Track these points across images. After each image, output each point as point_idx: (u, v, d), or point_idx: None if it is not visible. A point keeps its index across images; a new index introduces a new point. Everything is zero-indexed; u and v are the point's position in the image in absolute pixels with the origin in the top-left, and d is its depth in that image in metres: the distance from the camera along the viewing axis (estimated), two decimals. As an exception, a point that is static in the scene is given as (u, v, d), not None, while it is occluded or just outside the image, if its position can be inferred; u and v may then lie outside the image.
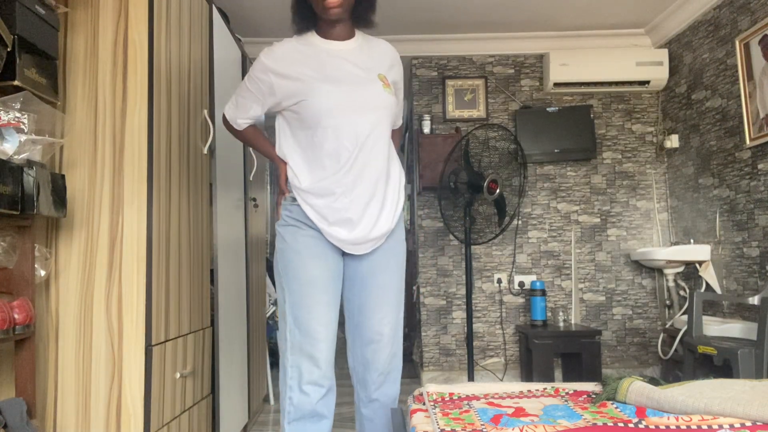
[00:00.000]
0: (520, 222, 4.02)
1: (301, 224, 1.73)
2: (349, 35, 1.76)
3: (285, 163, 1.76)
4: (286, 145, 1.76)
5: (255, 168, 3.02)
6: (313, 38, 1.75)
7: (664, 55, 3.85)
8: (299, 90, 1.67)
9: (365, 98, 1.70)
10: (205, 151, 2.27)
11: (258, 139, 1.89)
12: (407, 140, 4.75)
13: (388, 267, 1.79)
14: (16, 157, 1.48)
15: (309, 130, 1.69)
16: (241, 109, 1.80)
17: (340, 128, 1.66)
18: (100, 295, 1.74)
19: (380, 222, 1.73)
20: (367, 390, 1.81)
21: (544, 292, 3.79)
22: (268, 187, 6.15)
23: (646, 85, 3.94)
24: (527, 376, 3.71)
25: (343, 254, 1.78)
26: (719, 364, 2.66)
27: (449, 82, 4.06)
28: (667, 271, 3.74)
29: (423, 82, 4.10)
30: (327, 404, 1.72)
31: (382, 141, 1.72)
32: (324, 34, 1.75)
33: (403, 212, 1.87)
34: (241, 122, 1.83)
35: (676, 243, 3.86)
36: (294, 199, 1.74)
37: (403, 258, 1.85)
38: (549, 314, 3.91)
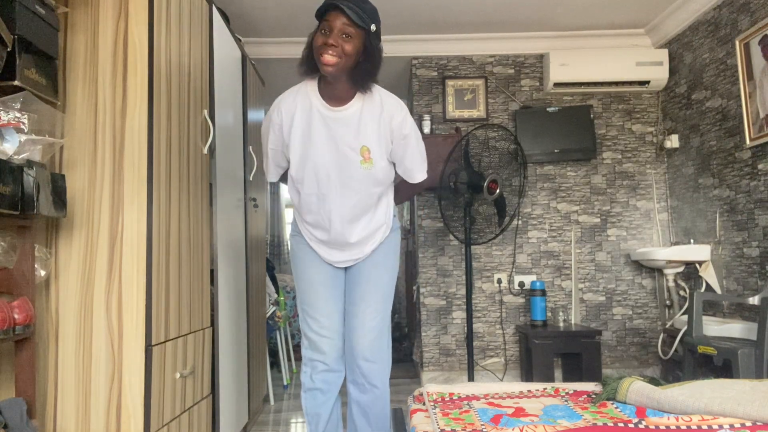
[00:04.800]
0: (520, 222, 4.02)
1: (303, 238, 2.05)
2: (348, 97, 1.83)
3: None
4: (289, 182, 1.98)
5: (255, 168, 3.02)
6: (314, 95, 1.84)
7: (664, 55, 3.85)
8: (290, 150, 1.88)
9: (340, 171, 1.85)
10: (205, 151, 2.27)
11: None
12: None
13: (374, 266, 2.02)
14: (16, 157, 1.48)
15: (298, 181, 1.92)
16: (271, 166, 2.03)
17: (317, 189, 1.88)
18: (100, 295, 1.73)
19: (355, 251, 1.99)
20: (352, 373, 2.01)
21: (544, 292, 3.79)
22: (268, 188, 6.15)
23: (646, 85, 3.94)
24: (527, 376, 3.71)
25: None
26: (719, 364, 2.66)
27: (449, 82, 4.06)
28: (667, 271, 3.74)
29: (423, 82, 4.10)
30: (327, 380, 2.00)
31: (360, 206, 1.92)
32: (324, 93, 1.83)
33: (392, 231, 2.08)
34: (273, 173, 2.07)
35: (676, 243, 3.86)
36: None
37: (389, 263, 2.06)
38: (549, 314, 3.90)
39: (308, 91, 1.85)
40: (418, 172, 2.00)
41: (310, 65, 1.79)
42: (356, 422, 2.02)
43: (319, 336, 1.98)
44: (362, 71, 1.77)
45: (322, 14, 1.74)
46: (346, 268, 2.07)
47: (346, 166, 1.85)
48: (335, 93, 1.82)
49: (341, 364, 2.02)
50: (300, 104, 1.85)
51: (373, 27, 1.74)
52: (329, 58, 1.69)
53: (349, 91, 1.82)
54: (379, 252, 2.03)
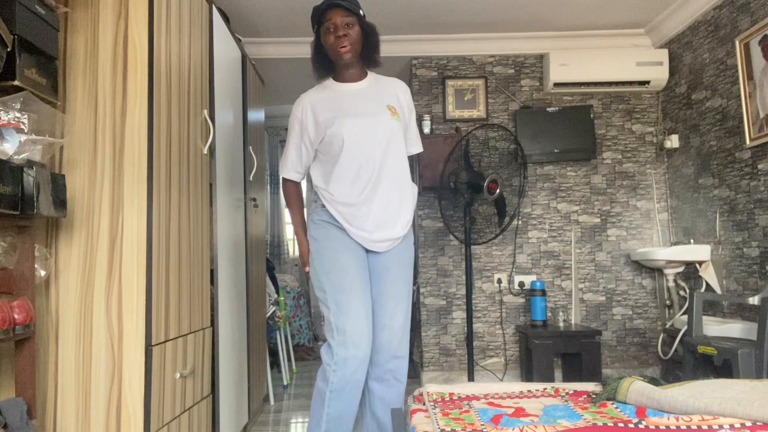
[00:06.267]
0: (520, 222, 4.02)
1: (330, 225, 2.07)
2: (361, 77, 2.13)
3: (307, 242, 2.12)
4: (316, 174, 2.12)
5: (255, 168, 3.02)
6: (331, 84, 2.13)
7: (664, 55, 3.85)
8: (325, 126, 2.03)
9: (377, 127, 2.04)
10: (205, 151, 2.27)
11: (299, 204, 2.22)
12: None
13: (400, 263, 2.10)
14: (16, 157, 1.48)
15: (334, 156, 2.04)
16: (290, 158, 2.15)
17: (359, 153, 2.01)
18: (100, 295, 1.74)
19: (397, 226, 2.06)
20: (378, 369, 2.05)
21: (544, 292, 3.79)
22: (268, 188, 6.15)
23: (646, 85, 3.94)
24: (527, 376, 3.71)
25: (366, 250, 2.09)
26: (719, 364, 2.65)
27: (449, 82, 4.06)
28: (667, 271, 3.74)
29: (423, 82, 4.10)
30: (358, 380, 1.94)
31: (393, 159, 2.05)
32: (340, 79, 2.12)
33: (411, 234, 2.19)
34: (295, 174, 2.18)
35: (676, 243, 3.86)
36: (323, 206, 2.09)
37: (411, 257, 2.16)
38: (549, 314, 3.90)
39: (324, 83, 2.15)
40: (418, 140, 2.26)
41: (323, 64, 2.09)
42: (379, 418, 2.06)
43: (356, 329, 1.92)
44: (369, 49, 2.08)
45: (320, 17, 2.02)
46: (370, 257, 2.09)
47: (377, 123, 2.05)
48: (349, 77, 2.11)
49: (369, 360, 1.98)
50: (319, 93, 2.12)
51: (361, 12, 2.05)
52: (345, 47, 1.98)
53: (362, 73, 2.13)
54: (404, 251, 2.13)
